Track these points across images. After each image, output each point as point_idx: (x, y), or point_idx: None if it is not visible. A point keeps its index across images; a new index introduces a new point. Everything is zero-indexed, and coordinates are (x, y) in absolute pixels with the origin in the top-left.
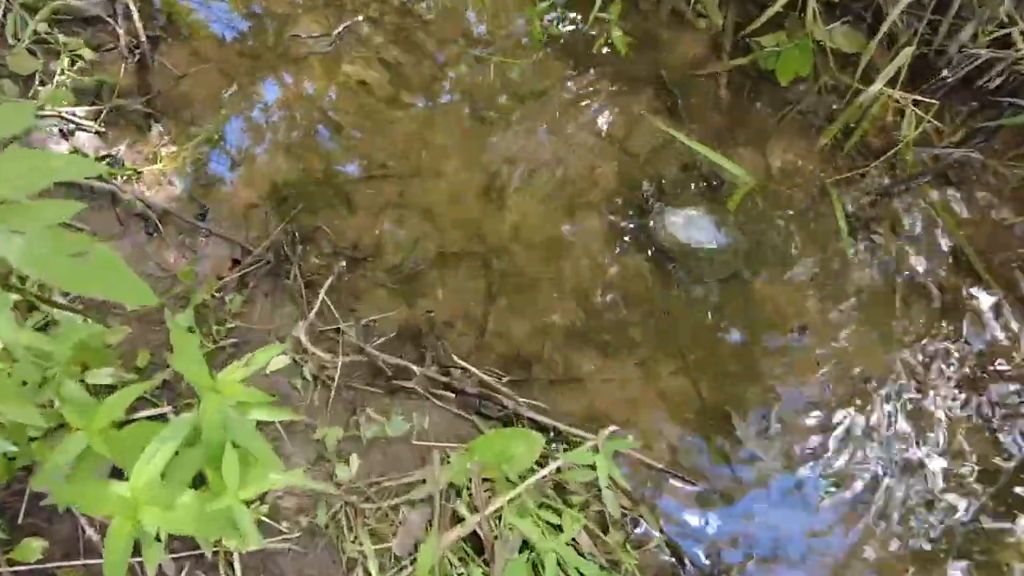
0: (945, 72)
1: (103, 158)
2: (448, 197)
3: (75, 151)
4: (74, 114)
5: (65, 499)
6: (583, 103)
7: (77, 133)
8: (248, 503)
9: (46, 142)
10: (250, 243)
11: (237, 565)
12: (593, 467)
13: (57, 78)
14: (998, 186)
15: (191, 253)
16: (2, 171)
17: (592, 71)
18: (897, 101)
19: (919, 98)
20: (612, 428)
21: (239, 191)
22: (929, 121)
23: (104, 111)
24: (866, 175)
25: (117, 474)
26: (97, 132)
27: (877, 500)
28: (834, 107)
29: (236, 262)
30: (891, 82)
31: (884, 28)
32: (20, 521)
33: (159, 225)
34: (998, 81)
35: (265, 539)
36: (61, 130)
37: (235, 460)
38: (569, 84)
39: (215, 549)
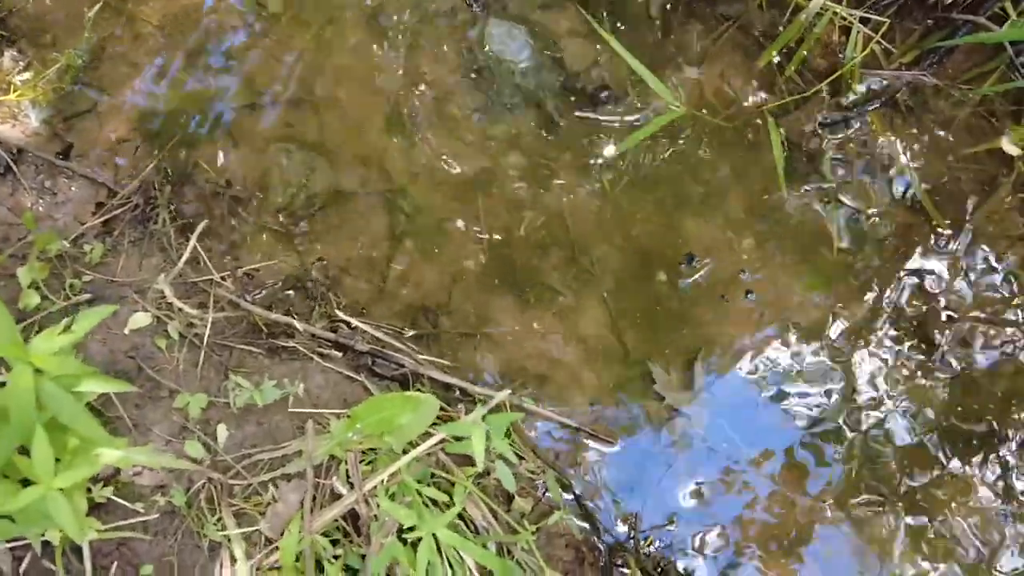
0: None
1: None
2: (344, 127)
3: None
4: None
5: None
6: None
7: None
8: (90, 487)
9: None
10: (118, 184)
11: (86, 552)
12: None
13: None
14: (951, 112)
15: (51, 195)
16: None
17: None
18: (844, 18)
19: (867, 15)
20: (506, 392)
21: (106, 124)
22: (878, 41)
23: None
24: (808, 100)
25: None
26: None
27: (802, 453)
28: (776, 25)
29: (101, 206)
30: None
31: None
32: None
33: (12, 165)
34: None
35: (117, 522)
36: None
37: (46, 444)
38: None
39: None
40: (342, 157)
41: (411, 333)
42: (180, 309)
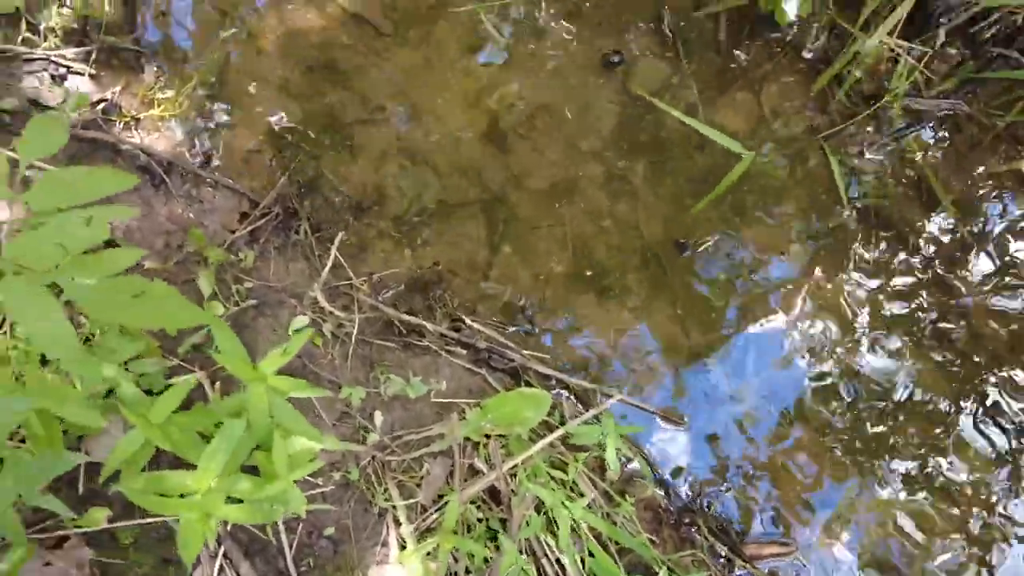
0: (941, 19)
1: (98, 103)
2: (448, 141)
3: (67, 98)
4: (63, 56)
5: (140, 502)
6: (585, 37)
7: (69, 77)
8: None
9: (40, 92)
10: (256, 194)
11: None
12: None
13: (49, 23)
14: (980, 135)
15: (198, 204)
16: (47, 193)
17: (591, 6)
18: (892, 49)
19: (916, 47)
20: (618, 397)
21: (239, 137)
22: (921, 71)
23: (94, 52)
24: (855, 123)
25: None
26: (90, 75)
27: (852, 432)
28: (828, 52)
29: (244, 215)
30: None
31: None
32: (80, 491)
33: (164, 176)
34: (992, 31)
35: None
36: (52, 75)
37: (283, 446)
38: (571, 19)
39: None
40: (446, 169)
41: (512, 329)
42: (331, 312)
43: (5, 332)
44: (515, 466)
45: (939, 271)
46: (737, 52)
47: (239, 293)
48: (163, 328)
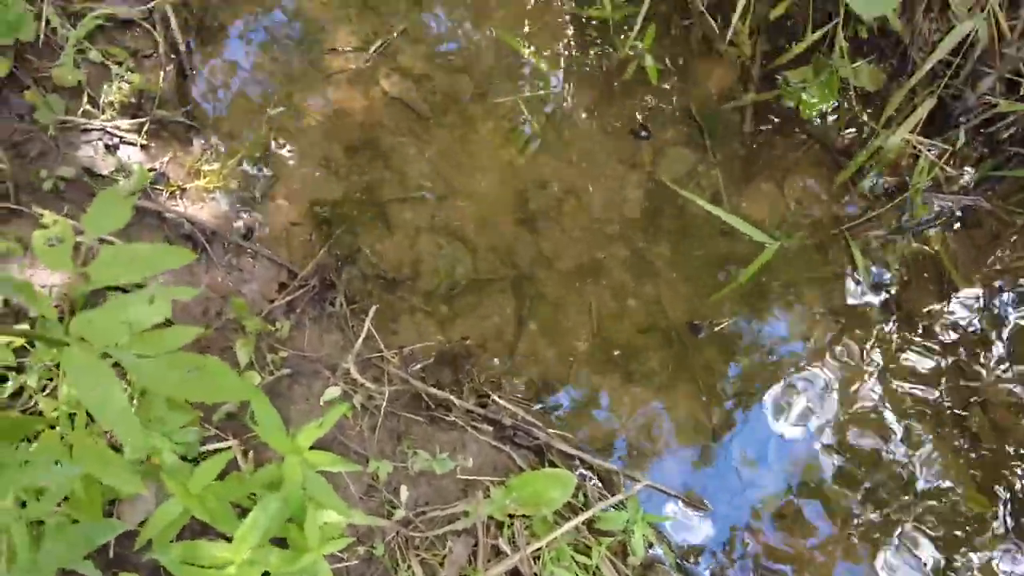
0: (961, 118)
1: (149, 171)
2: (481, 220)
3: (121, 167)
4: (118, 127)
5: (176, 571)
6: (614, 128)
7: (122, 147)
8: None
9: (94, 161)
10: (295, 265)
11: None
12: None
13: (108, 97)
14: (999, 230)
15: (238, 273)
16: (109, 267)
17: (624, 96)
18: (913, 146)
19: (936, 144)
20: (646, 483)
21: (281, 210)
22: (941, 168)
23: (146, 124)
24: (877, 217)
25: None
26: (141, 146)
27: (872, 521)
28: (851, 145)
29: (283, 285)
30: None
31: (914, 80)
32: (111, 556)
33: (207, 245)
34: (1009, 131)
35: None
36: (107, 145)
37: (316, 520)
38: (602, 108)
39: None
40: (479, 247)
41: (537, 406)
42: (362, 384)
43: (49, 394)
44: (539, 549)
45: (960, 359)
46: (762, 144)
47: (274, 362)
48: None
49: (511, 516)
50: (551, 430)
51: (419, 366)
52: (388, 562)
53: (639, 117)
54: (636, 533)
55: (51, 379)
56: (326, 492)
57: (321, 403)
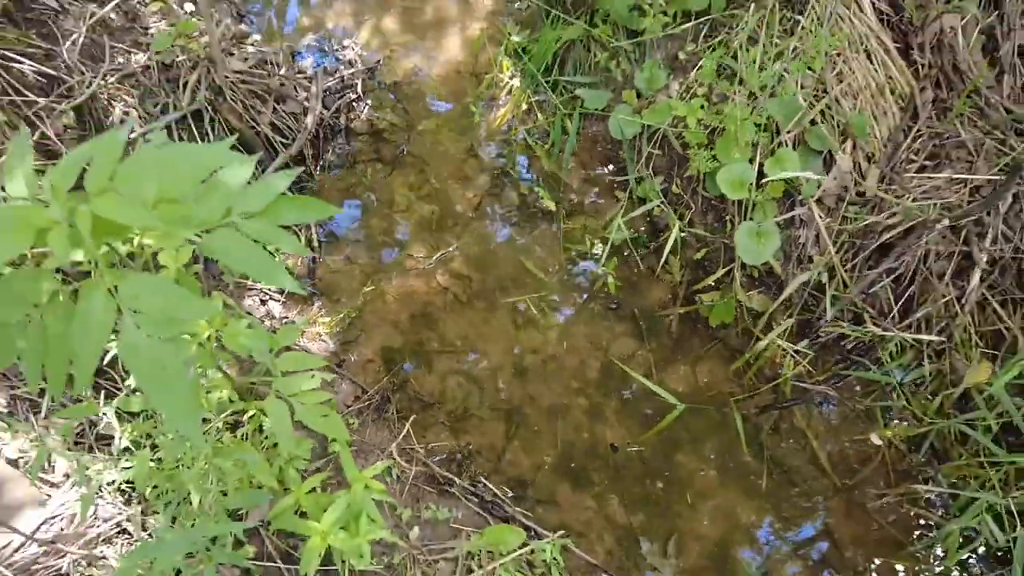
0: (820, 333)
1: (284, 319)
2: (490, 370)
3: (268, 313)
4: (269, 290)
5: (291, 526)
6: (585, 321)
7: (270, 302)
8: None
9: (251, 309)
10: (366, 385)
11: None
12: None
13: None
14: (845, 412)
15: (330, 387)
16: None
17: (593, 300)
18: (783, 348)
19: (799, 348)
20: (560, 532)
21: (363, 350)
22: (803, 365)
23: (286, 290)
24: (758, 394)
25: None
26: (282, 303)
27: None
28: (743, 345)
29: (357, 397)
30: (784, 333)
31: (781, 298)
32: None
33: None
34: (853, 343)
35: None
36: (260, 300)
37: (364, 522)
38: (578, 307)
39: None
40: (487, 387)
41: (510, 495)
42: (399, 463)
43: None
44: (494, 568)
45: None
46: (683, 340)
47: (348, 442)
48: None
49: (480, 551)
50: (517, 508)
51: (437, 458)
52: (401, 569)
53: (607, 328)
54: (549, 554)
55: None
56: (372, 507)
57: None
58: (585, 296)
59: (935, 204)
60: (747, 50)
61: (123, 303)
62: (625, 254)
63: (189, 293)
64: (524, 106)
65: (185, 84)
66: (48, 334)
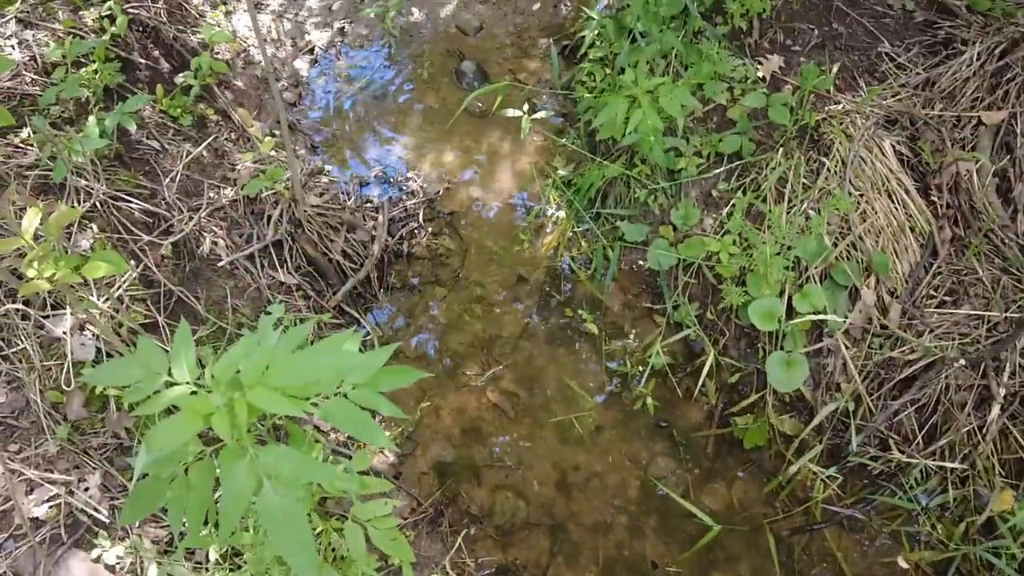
0: (850, 458)
1: (350, 437)
2: (536, 485)
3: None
4: None
5: None
6: (626, 439)
7: None
8: None
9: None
10: (421, 498)
11: None
12: None
13: None
14: (873, 535)
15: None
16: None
17: (633, 420)
18: (813, 472)
19: (829, 473)
20: None
21: (418, 464)
22: (833, 489)
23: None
24: (791, 516)
25: None
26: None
27: None
28: (776, 467)
29: (413, 510)
30: (815, 458)
31: (811, 425)
32: None
33: None
34: (880, 468)
35: None
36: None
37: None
38: (619, 426)
39: None
40: (532, 502)
41: None
42: (451, 574)
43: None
44: None
45: None
46: (718, 460)
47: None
48: None
49: None
50: None
51: (486, 571)
52: None
53: (647, 445)
54: None
55: None
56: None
57: None
58: (625, 415)
59: (955, 339)
60: (775, 191)
61: (262, 469)
62: (663, 376)
63: (317, 462)
64: (569, 235)
65: (269, 218)
66: (191, 487)
